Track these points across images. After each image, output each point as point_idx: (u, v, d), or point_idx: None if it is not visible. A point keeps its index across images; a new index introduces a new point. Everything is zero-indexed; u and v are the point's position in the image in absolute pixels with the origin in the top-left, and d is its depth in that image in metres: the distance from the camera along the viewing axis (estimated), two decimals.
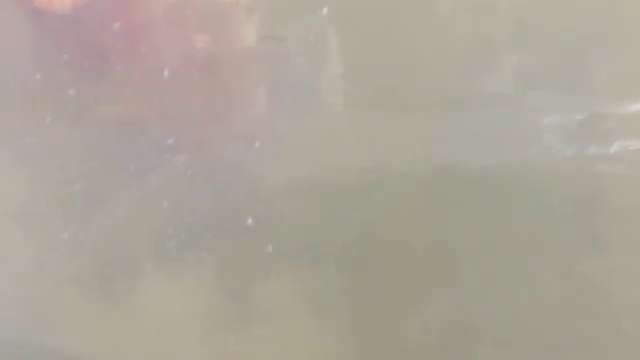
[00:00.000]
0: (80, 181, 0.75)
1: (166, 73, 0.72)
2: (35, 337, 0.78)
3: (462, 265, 0.69)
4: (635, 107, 0.68)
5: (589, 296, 0.69)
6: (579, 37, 0.65)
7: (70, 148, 0.76)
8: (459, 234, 0.69)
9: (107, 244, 0.76)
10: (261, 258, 0.72)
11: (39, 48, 0.75)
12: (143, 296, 0.76)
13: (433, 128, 0.68)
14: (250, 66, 0.73)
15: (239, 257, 0.73)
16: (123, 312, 0.76)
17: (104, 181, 0.74)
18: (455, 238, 0.69)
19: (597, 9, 0.67)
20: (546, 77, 0.65)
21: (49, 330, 0.78)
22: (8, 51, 0.75)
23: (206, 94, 0.73)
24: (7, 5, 0.75)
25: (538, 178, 0.66)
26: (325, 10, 0.69)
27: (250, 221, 0.72)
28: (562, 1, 0.65)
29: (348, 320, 0.73)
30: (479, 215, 0.68)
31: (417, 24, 0.67)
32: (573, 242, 0.67)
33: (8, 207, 0.76)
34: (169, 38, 0.73)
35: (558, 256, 0.67)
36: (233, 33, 0.72)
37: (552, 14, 0.64)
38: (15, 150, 0.76)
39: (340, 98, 0.72)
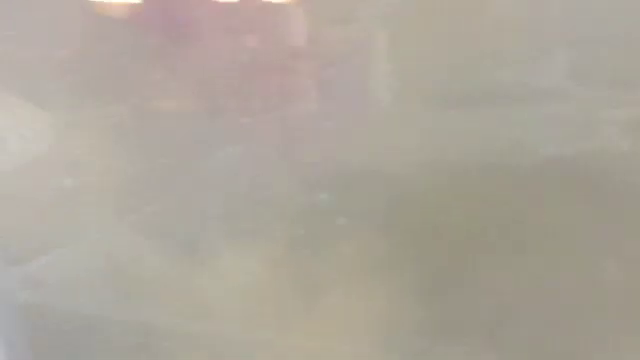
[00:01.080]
0: (152, 163, 0.78)
1: (225, 68, 0.74)
2: (119, 309, 0.82)
3: (520, 251, 0.69)
4: None
5: None
6: (637, 31, 0.64)
7: (142, 136, 0.79)
8: (514, 223, 0.69)
9: (183, 220, 0.78)
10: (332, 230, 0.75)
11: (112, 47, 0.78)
12: (222, 266, 0.79)
13: (488, 122, 0.68)
14: (305, 62, 0.74)
15: (310, 229, 0.75)
16: (202, 282, 0.79)
17: (174, 164, 0.77)
18: (512, 226, 0.69)
19: None
20: (602, 71, 0.64)
21: (132, 302, 0.81)
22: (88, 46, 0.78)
23: (262, 89, 0.75)
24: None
25: (593, 171, 0.65)
26: (377, 7, 0.70)
27: (323, 196, 0.74)
28: None
29: (412, 291, 0.75)
30: (533, 207, 0.68)
31: (469, 19, 0.67)
32: (626, 233, 0.66)
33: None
34: (228, 35, 0.75)
35: (611, 245, 0.67)
36: (287, 31, 0.73)
37: (609, 7, 0.63)
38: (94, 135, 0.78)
39: (392, 94, 0.73)
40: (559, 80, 0.67)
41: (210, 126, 0.77)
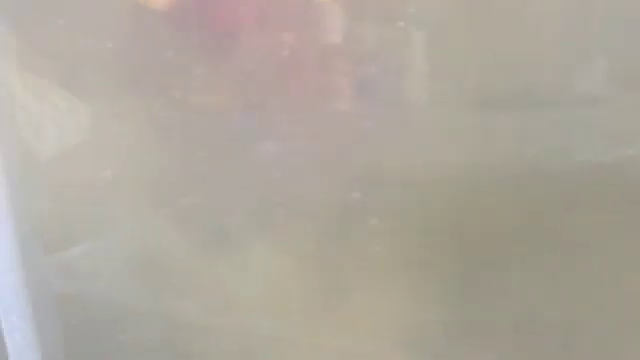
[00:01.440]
0: (184, 161, 0.79)
1: (263, 65, 0.75)
2: (150, 300, 0.83)
3: (551, 257, 0.69)
4: None
5: None
6: None
7: (180, 130, 0.80)
8: (548, 229, 0.68)
9: (217, 214, 0.79)
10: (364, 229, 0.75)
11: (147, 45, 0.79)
12: (252, 261, 0.80)
13: (523, 125, 0.68)
14: (342, 60, 0.74)
15: (341, 227, 0.76)
16: (232, 276, 0.80)
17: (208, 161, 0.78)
18: (543, 232, 0.69)
19: None
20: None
21: (163, 294, 0.82)
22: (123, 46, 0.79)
23: (299, 87, 0.75)
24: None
25: (630, 178, 0.64)
26: (415, 7, 0.70)
27: (356, 195, 0.74)
28: None
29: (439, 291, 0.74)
30: (567, 212, 0.67)
31: (507, 21, 0.67)
32: None
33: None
34: (266, 32, 0.75)
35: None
36: (322, 29, 0.73)
37: None
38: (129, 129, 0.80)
39: (427, 94, 0.72)
40: (597, 85, 0.66)
41: (248, 122, 0.78)
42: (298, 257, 0.79)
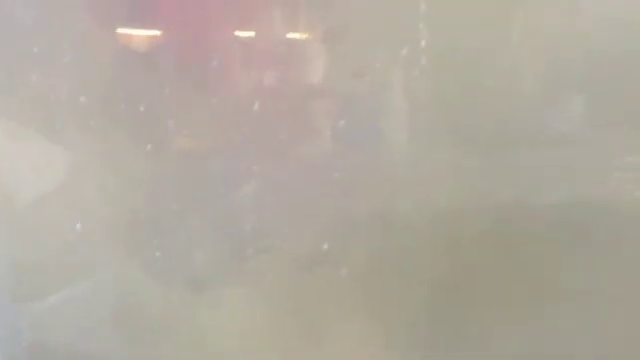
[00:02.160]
0: (162, 203, 0.79)
1: (240, 106, 0.75)
2: (124, 350, 0.82)
3: (525, 302, 0.69)
4: None
5: None
6: None
7: (154, 174, 0.79)
8: (523, 272, 0.68)
9: (187, 261, 0.79)
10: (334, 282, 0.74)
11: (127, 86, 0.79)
12: (225, 308, 0.79)
13: (500, 166, 0.68)
14: (322, 101, 0.75)
15: (311, 280, 0.75)
16: (204, 322, 0.79)
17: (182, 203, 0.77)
18: (518, 275, 0.68)
19: None
20: (616, 117, 0.65)
21: (137, 342, 0.81)
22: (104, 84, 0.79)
23: (278, 127, 0.76)
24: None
25: (605, 219, 0.65)
26: (394, 50, 0.71)
27: (325, 246, 0.74)
28: (636, 40, 0.65)
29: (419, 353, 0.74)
30: (544, 254, 0.67)
31: (485, 62, 0.68)
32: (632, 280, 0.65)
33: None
34: (244, 73, 0.76)
35: (623, 297, 0.66)
36: (306, 69, 0.74)
37: (626, 53, 0.64)
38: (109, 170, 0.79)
39: (407, 135, 0.73)
40: (574, 124, 0.67)
41: (225, 167, 0.78)
42: (266, 305, 0.78)
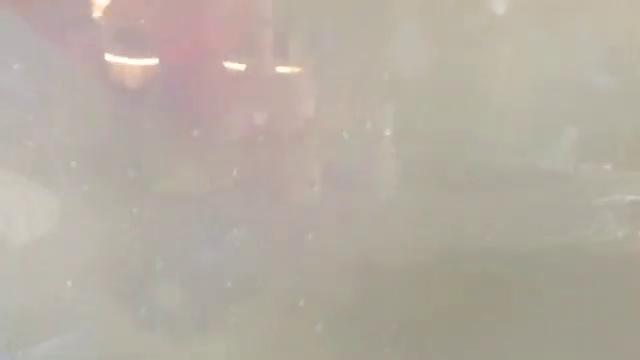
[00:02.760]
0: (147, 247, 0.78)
1: (226, 146, 0.75)
2: None
3: (512, 345, 0.68)
4: None
5: None
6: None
7: (147, 219, 0.79)
8: (507, 314, 0.68)
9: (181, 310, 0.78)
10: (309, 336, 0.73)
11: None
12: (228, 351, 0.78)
13: (483, 207, 0.68)
14: (307, 142, 0.75)
15: (287, 332, 0.74)
16: None
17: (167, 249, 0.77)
18: (504, 318, 0.68)
19: None
20: (599, 155, 0.64)
21: None
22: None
23: (264, 168, 0.76)
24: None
25: (587, 259, 0.65)
26: (378, 91, 0.71)
27: (301, 302, 0.73)
28: (619, 81, 0.65)
29: None
30: (528, 295, 0.67)
31: (469, 104, 0.68)
32: (622, 326, 0.65)
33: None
34: (230, 112, 0.76)
35: (609, 339, 0.65)
36: (291, 109, 0.74)
37: (612, 91, 0.64)
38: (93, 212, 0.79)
39: (392, 177, 0.73)
40: (559, 163, 0.66)
41: (218, 207, 0.78)
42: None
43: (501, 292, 0.67)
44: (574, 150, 0.66)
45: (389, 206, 0.72)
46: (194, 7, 0.77)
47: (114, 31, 0.78)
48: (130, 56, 0.78)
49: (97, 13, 0.78)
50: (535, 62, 0.67)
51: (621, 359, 0.64)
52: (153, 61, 0.78)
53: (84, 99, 0.80)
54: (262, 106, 0.75)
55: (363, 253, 0.72)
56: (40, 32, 0.80)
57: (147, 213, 0.80)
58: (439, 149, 0.69)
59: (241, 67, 0.75)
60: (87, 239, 0.82)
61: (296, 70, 0.75)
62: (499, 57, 0.68)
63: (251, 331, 0.77)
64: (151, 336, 0.81)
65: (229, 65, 0.76)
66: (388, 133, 0.72)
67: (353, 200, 0.73)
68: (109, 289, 0.81)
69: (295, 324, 0.75)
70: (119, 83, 0.80)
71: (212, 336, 0.78)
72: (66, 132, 0.80)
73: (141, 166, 0.79)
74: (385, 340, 0.72)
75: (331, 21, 0.73)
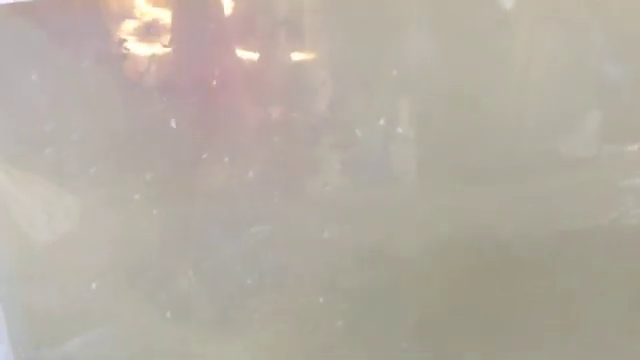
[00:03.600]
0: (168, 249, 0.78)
1: (244, 144, 0.75)
2: None
3: (530, 334, 0.67)
4: None
5: None
6: None
7: (169, 215, 0.79)
8: (533, 302, 0.67)
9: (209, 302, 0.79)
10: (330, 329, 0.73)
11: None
12: (252, 347, 0.79)
13: (506, 195, 0.67)
14: (326, 136, 0.74)
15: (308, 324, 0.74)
16: None
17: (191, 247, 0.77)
18: (529, 306, 0.67)
19: None
20: (625, 137, 0.63)
21: None
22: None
23: (282, 164, 0.75)
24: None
25: (613, 243, 0.63)
26: (396, 84, 0.70)
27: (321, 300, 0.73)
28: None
29: None
30: (554, 282, 0.66)
31: (490, 92, 0.67)
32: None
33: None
34: (247, 109, 0.76)
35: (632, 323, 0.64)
36: (308, 104, 0.74)
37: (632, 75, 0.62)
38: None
39: (411, 168, 0.72)
40: (583, 147, 0.65)
41: (237, 205, 0.77)
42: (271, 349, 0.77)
43: (526, 278, 0.66)
44: (596, 134, 0.64)
45: (411, 197, 0.71)
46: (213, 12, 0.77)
47: (133, 30, 0.78)
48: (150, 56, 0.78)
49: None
50: (555, 49, 0.66)
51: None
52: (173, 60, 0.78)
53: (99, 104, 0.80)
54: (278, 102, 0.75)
55: (389, 240, 0.72)
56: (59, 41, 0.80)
57: (166, 210, 0.80)
58: (462, 139, 0.68)
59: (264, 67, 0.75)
60: (111, 240, 0.82)
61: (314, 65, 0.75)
62: (519, 45, 0.67)
63: (274, 327, 0.76)
64: (176, 333, 0.81)
65: (246, 63, 0.76)
66: (408, 123, 0.71)
67: (371, 194, 0.72)
68: (133, 288, 0.81)
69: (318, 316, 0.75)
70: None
71: (234, 332, 0.78)
72: (91, 133, 0.80)
73: (160, 168, 0.79)
74: (408, 330, 0.72)
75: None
